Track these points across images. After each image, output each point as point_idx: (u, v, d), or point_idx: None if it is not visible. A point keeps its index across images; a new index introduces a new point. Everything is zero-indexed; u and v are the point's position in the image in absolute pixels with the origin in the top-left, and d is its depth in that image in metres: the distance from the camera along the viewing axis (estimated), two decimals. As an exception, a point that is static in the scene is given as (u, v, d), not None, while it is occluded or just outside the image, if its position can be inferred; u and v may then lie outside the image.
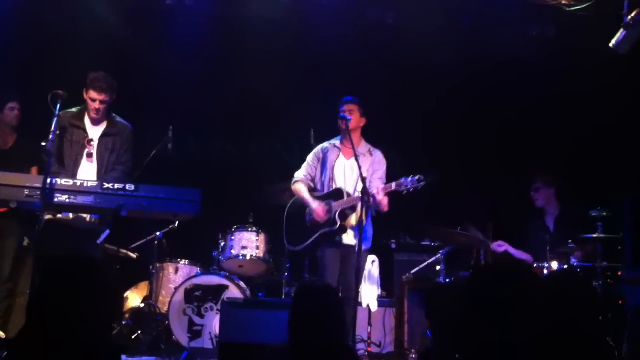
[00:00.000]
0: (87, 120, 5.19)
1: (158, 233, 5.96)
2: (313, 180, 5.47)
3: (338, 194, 5.22)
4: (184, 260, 6.16)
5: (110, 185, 4.51)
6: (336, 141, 5.48)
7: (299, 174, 5.50)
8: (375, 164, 5.35)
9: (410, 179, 4.90)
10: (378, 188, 5.04)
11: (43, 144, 4.67)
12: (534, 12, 6.68)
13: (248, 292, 5.84)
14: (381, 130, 5.97)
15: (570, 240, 5.48)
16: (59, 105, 4.77)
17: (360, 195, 4.88)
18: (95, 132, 5.20)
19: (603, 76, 6.38)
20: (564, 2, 6.31)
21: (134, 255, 6.17)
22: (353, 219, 5.13)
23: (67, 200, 4.42)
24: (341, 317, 2.99)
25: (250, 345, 4.20)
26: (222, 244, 6.09)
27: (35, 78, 6.42)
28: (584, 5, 6.22)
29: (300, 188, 5.42)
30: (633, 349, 4.81)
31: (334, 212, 5.16)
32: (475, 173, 7.11)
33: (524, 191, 6.24)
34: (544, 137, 7.08)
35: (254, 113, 7.08)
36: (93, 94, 5.05)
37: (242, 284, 5.82)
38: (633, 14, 5.74)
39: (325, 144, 5.53)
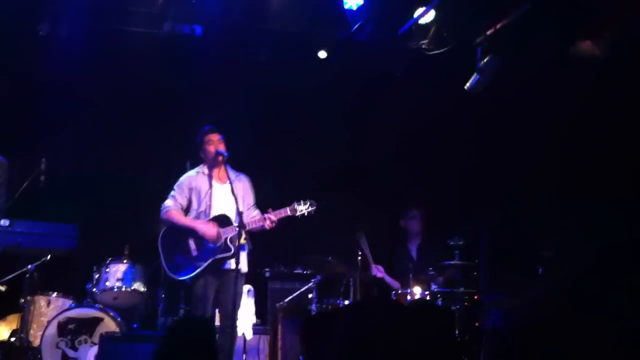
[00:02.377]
0: None
1: (30, 266, 5.85)
2: (185, 209, 5.51)
3: (224, 219, 5.36)
4: (56, 293, 6.08)
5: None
6: (203, 169, 5.61)
7: (169, 204, 5.49)
8: (246, 188, 5.59)
9: (302, 204, 5.22)
10: (269, 214, 5.27)
11: None
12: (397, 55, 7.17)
13: (123, 324, 5.86)
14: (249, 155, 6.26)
15: (430, 268, 5.93)
16: None
17: (242, 225, 5.10)
18: None
19: (459, 114, 6.92)
20: (424, 46, 6.81)
21: (2, 288, 6.03)
22: (240, 241, 5.33)
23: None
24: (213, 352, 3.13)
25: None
26: (97, 276, 6.07)
27: None
28: (441, 50, 6.76)
29: (176, 214, 5.44)
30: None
31: (224, 238, 5.30)
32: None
33: (390, 220, 6.68)
34: (405, 169, 7.55)
35: (128, 143, 7.12)
36: None
37: (116, 316, 5.83)
38: (485, 60, 6.34)
39: (192, 173, 5.62)
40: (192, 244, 5.39)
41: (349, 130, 7.52)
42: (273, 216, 5.34)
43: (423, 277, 5.98)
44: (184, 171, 6.13)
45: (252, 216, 5.46)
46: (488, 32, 6.22)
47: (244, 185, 5.58)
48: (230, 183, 5.27)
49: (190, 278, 5.33)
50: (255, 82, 7.21)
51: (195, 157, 6.02)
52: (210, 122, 5.84)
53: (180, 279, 5.42)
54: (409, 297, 5.87)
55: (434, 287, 5.91)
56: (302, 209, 5.41)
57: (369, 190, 7.46)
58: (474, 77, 6.31)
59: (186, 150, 6.44)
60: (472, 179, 7.27)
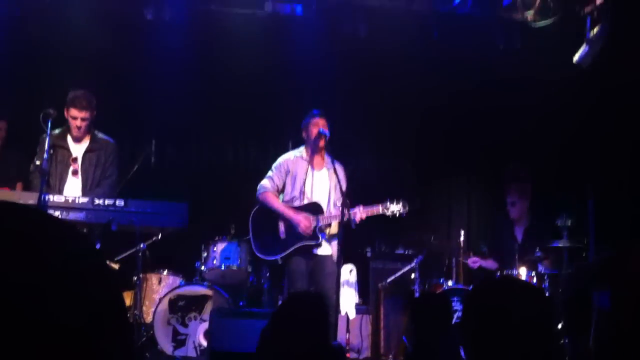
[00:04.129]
0: (69, 139, 5.32)
1: (142, 244, 6.07)
2: (280, 191, 5.57)
3: (315, 208, 5.41)
4: (166, 271, 6.30)
5: (100, 202, 4.68)
6: (302, 153, 5.61)
7: (266, 184, 5.54)
8: (342, 177, 5.54)
9: (395, 204, 5.19)
10: (360, 210, 5.26)
11: (37, 162, 4.83)
12: (502, 28, 6.98)
13: (230, 302, 6.01)
14: (356, 142, 6.23)
15: (537, 249, 5.77)
16: (50, 124, 4.91)
17: (341, 211, 5.09)
18: (78, 149, 5.34)
19: (567, 89, 6.68)
20: (529, 18, 6.60)
21: (115, 266, 6.28)
22: (331, 230, 5.37)
23: (60, 217, 4.56)
24: (327, 326, 3.16)
25: (238, 354, 4.38)
26: (205, 254, 6.25)
27: (18, 96, 6.55)
28: (548, 22, 6.53)
29: (272, 198, 5.50)
30: (599, 349, 5.10)
31: (315, 227, 5.35)
32: (445, 183, 7.40)
33: (495, 202, 6.53)
34: (512, 148, 7.37)
35: (233, 124, 7.27)
36: (74, 112, 5.18)
37: (224, 293, 5.99)
38: (594, 30, 6.08)
39: (290, 156, 5.63)
40: (281, 226, 5.47)
41: (450, 105, 7.38)
42: (364, 214, 5.31)
43: (529, 258, 5.82)
44: (286, 151, 6.22)
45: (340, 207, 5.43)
46: (598, 1, 5.98)
47: (339, 174, 5.56)
48: (328, 170, 5.30)
49: (281, 258, 5.43)
50: (356, 58, 7.17)
51: (296, 138, 6.11)
52: (314, 102, 5.88)
53: (267, 258, 5.57)
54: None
55: (540, 269, 5.76)
56: (394, 209, 5.36)
57: (472, 170, 7.36)
58: (582, 49, 6.06)
59: (288, 131, 6.55)
60: (579, 155, 7.03)
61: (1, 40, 6.52)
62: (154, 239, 6.18)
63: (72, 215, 4.61)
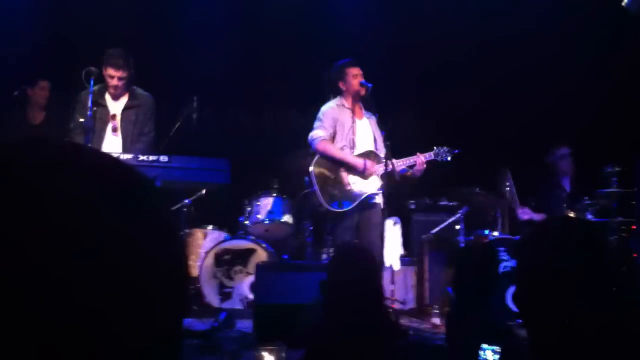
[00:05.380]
0: (107, 97, 5.35)
1: (187, 200, 6.15)
2: (332, 140, 5.42)
3: (373, 155, 5.36)
4: (211, 226, 6.38)
5: (144, 157, 4.70)
6: (343, 102, 5.47)
7: (320, 133, 5.35)
8: (378, 125, 5.51)
9: (443, 149, 5.15)
10: (419, 157, 5.22)
11: (81, 120, 4.88)
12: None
13: (274, 255, 6.07)
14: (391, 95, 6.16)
15: (586, 197, 5.67)
16: (92, 82, 4.95)
17: (385, 162, 5.06)
18: (116, 106, 5.37)
19: (613, 38, 6.48)
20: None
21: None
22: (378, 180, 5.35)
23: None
24: (378, 279, 3.18)
25: (284, 305, 4.43)
26: (249, 209, 6.30)
27: (57, 55, 6.62)
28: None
29: (331, 145, 5.32)
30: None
31: (379, 175, 5.29)
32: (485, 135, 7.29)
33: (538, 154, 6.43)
34: (552, 99, 7.20)
35: (270, 82, 7.26)
36: (111, 70, 5.19)
37: (268, 247, 6.04)
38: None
39: (333, 105, 5.48)
40: (345, 176, 5.31)
41: (495, 57, 7.23)
42: (423, 157, 5.25)
43: (578, 206, 5.73)
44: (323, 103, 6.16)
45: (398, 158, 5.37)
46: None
47: (376, 124, 5.52)
48: (368, 119, 5.27)
49: (349, 210, 5.28)
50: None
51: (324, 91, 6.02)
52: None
53: (337, 210, 5.32)
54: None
55: (589, 216, 5.66)
56: (443, 153, 5.29)
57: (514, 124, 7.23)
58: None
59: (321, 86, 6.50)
60: (626, 104, 6.85)
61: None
62: (198, 194, 6.29)
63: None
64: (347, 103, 5.48)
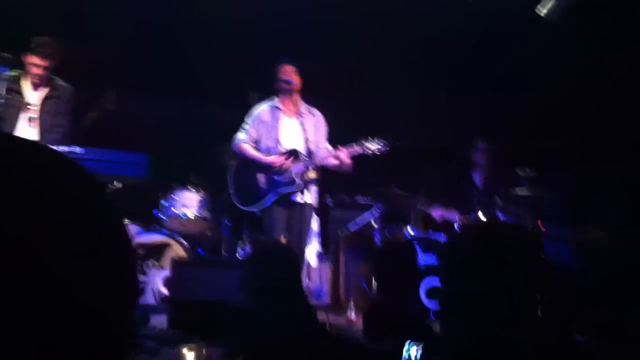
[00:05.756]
0: (26, 85, 5.16)
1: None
2: (256, 142, 5.52)
3: (294, 154, 5.38)
4: (126, 219, 6.23)
5: (58, 149, 4.55)
6: (274, 102, 5.57)
7: (241, 137, 5.52)
8: (317, 123, 5.55)
9: (375, 142, 5.15)
10: (343, 152, 5.23)
11: None
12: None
13: (189, 250, 6.00)
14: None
15: (497, 196, 5.86)
16: (7, 68, 4.77)
17: (333, 157, 5.12)
18: (35, 96, 5.18)
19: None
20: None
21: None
22: (308, 175, 5.36)
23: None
24: (297, 275, 3.21)
25: (200, 302, 4.38)
26: (164, 203, 6.20)
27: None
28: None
29: (247, 148, 5.46)
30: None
31: (293, 173, 5.31)
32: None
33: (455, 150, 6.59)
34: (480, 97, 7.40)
35: (195, 75, 7.15)
36: (36, 59, 5.01)
37: (183, 241, 5.97)
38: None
39: (263, 106, 5.58)
40: (260, 177, 5.39)
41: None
42: (346, 153, 5.26)
43: (488, 206, 5.92)
44: (248, 102, 6.14)
45: (323, 152, 5.41)
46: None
47: (316, 121, 5.53)
48: (302, 117, 5.28)
49: (259, 210, 5.36)
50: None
51: (260, 88, 6.02)
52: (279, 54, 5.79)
53: (249, 210, 5.45)
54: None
55: (500, 217, 5.86)
56: (372, 147, 5.29)
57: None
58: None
59: (252, 82, 6.47)
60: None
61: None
62: (113, 187, 6.13)
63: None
64: (277, 102, 5.54)
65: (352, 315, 5.39)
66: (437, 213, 6.15)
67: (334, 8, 6.84)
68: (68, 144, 4.75)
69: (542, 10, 5.74)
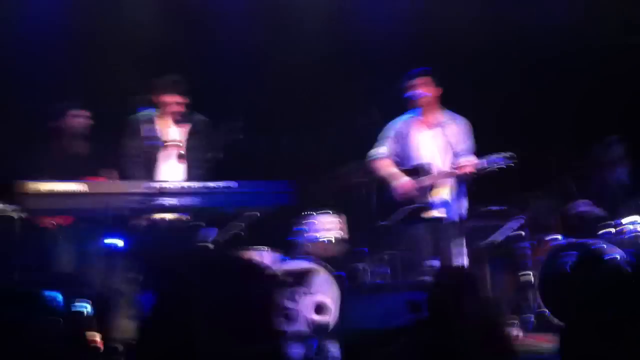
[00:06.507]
0: (166, 123, 5.25)
1: (242, 224, 5.97)
2: (396, 155, 5.47)
3: (425, 168, 5.29)
4: (266, 247, 6.21)
5: (213, 185, 4.58)
6: (412, 113, 5.49)
7: (377, 151, 5.50)
8: (460, 133, 5.40)
9: (500, 158, 5.01)
10: (468, 163, 5.10)
11: (134, 146, 4.91)
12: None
13: (333, 273, 5.92)
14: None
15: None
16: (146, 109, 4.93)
17: (451, 170, 4.98)
18: (177, 132, 5.28)
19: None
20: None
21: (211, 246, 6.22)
22: (444, 193, 5.23)
23: (177, 202, 4.48)
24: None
25: (372, 330, 4.28)
26: (303, 228, 6.16)
27: (95, 82, 6.52)
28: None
29: (383, 164, 5.44)
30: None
31: (423, 188, 5.21)
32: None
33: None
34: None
35: (318, 94, 7.17)
36: (176, 97, 5.14)
37: (328, 266, 5.90)
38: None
39: (403, 117, 5.54)
40: (393, 192, 5.37)
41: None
42: (470, 168, 5.14)
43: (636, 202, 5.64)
44: (372, 118, 6.07)
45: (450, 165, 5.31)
46: None
47: (457, 130, 5.40)
48: (440, 129, 5.18)
49: (390, 224, 5.35)
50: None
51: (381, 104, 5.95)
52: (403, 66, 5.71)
53: (382, 224, 5.45)
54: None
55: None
56: (500, 161, 5.14)
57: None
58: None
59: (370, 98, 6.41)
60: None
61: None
62: (250, 216, 6.13)
63: (188, 201, 4.53)
64: (415, 113, 5.46)
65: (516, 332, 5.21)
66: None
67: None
68: (215, 179, 4.78)
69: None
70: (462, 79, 7.00)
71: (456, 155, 5.28)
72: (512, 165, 5.10)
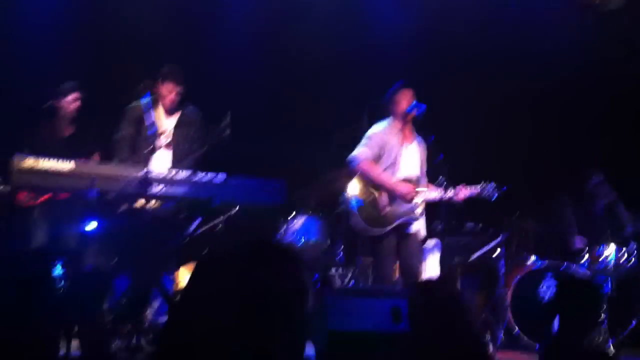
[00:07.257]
0: (160, 112, 5.20)
1: (221, 217, 5.90)
2: (376, 161, 5.25)
3: (414, 181, 5.28)
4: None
5: (200, 176, 4.51)
6: (394, 124, 5.35)
7: (363, 154, 5.21)
8: (425, 153, 5.48)
9: (490, 187, 5.08)
10: (462, 191, 5.18)
11: (125, 133, 4.94)
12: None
13: (308, 276, 5.91)
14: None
15: (629, 225, 5.67)
16: (149, 95, 4.87)
17: (451, 194, 5.15)
18: (169, 122, 5.22)
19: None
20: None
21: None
22: (421, 209, 5.28)
23: (163, 190, 4.40)
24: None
25: (356, 332, 4.25)
26: (283, 229, 6.14)
27: (91, 67, 6.46)
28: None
29: (372, 166, 5.19)
30: None
31: (414, 202, 5.21)
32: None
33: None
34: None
35: (309, 97, 7.17)
36: (171, 85, 5.09)
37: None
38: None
39: (382, 127, 5.36)
40: (383, 200, 5.20)
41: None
42: (466, 193, 5.21)
43: (620, 234, 5.73)
44: (359, 125, 6.08)
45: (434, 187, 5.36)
46: None
47: (424, 150, 5.46)
48: (418, 144, 5.23)
49: (385, 234, 5.19)
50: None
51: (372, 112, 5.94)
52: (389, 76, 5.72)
53: (369, 233, 5.26)
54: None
55: (633, 246, 5.64)
56: (490, 190, 5.26)
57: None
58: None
59: (361, 105, 6.42)
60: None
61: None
62: (230, 213, 6.06)
63: (174, 190, 4.44)
64: (397, 124, 5.36)
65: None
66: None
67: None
68: (203, 170, 4.72)
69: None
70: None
71: (423, 175, 5.35)
72: (495, 197, 5.20)
